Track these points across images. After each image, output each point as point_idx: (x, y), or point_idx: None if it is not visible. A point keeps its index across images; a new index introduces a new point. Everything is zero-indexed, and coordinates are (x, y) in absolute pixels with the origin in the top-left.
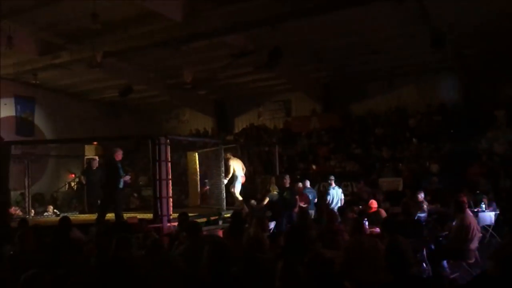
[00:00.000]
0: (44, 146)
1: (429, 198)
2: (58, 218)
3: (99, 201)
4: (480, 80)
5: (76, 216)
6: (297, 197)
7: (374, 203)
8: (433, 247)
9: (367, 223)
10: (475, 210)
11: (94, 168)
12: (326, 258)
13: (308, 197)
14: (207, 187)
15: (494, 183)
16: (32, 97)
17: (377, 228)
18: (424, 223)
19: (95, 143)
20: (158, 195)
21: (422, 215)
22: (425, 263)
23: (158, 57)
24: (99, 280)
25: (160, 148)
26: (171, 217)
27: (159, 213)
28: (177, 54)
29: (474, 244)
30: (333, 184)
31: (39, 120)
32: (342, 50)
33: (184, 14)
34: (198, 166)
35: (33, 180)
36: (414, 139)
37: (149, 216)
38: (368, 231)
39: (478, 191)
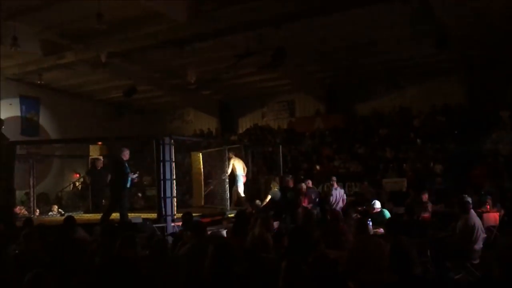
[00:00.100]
0: (49, 146)
1: (433, 199)
2: (63, 217)
3: (103, 201)
4: (485, 81)
5: (80, 216)
6: (301, 197)
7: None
8: (437, 247)
9: (371, 223)
10: (480, 210)
11: (99, 168)
12: (330, 258)
13: (311, 197)
14: (211, 187)
15: (498, 184)
16: (37, 98)
17: (381, 229)
18: (428, 224)
19: (99, 143)
20: (162, 195)
21: (426, 215)
22: (429, 264)
23: (163, 57)
24: (103, 279)
25: (164, 148)
26: (175, 217)
27: (163, 213)
28: (181, 54)
29: (479, 245)
30: (335, 185)
31: (44, 120)
32: (346, 50)
33: (188, 14)
34: (202, 166)
35: (38, 180)
36: (418, 140)
37: (153, 216)
38: (372, 232)
39: (482, 192)
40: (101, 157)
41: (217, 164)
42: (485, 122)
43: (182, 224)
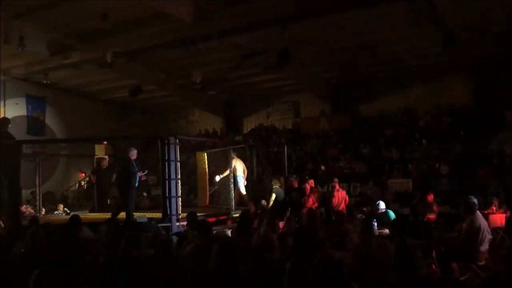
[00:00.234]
0: (54, 145)
1: (438, 200)
2: (68, 216)
3: (108, 200)
4: (490, 81)
5: (86, 215)
6: (305, 197)
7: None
8: (442, 249)
9: (376, 224)
10: (486, 212)
11: (104, 167)
12: (334, 259)
13: (315, 197)
14: (216, 187)
15: (504, 184)
16: (43, 97)
17: (386, 230)
18: (433, 225)
19: (105, 142)
20: (167, 195)
21: (432, 216)
22: (435, 265)
23: (168, 57)
24: (108, 278)
25: (169, 148)
26: (180, 216)
27: (168, 212)
28: (186, 54)
29: (485, 246)
30: (337, 186)
31: (50, 119)
32: (351, 51)
33: (194, 14)
34: (207, 166)
35: (44, 179)
36: (423, 140)
37: (158, 215)
38: (377, 232)
39: (488, 193)
40: (106, 157)
41: (221, 164)
42: (491, 123)
43: (186, 224)
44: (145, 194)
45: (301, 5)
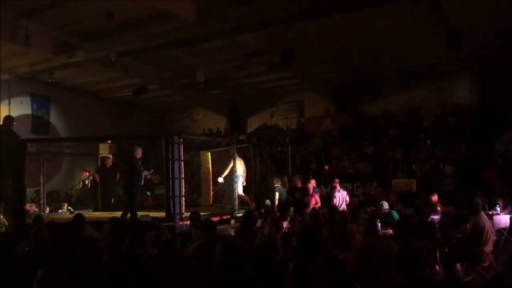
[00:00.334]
0: (59, 144)
1: (443, 200)
2: (72, 215)
3: (112, 199)
4: (496, 81)
5: (90, 214)
6: (309, 197)
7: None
8: (446, 249)
9: (379, 224)
10: (490, 212)
11: (108, 166)
12: (338, 259)
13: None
14: (219, 186)
15: (509, 185)
16: (48, 96)
17: (390, 230)
18: (437, 225)
19: (109, 141)
20: (171, 194)
21: (436, 217)
22: (438, 266)
23: (172, 56)
24: (111, 277)
25: (173, 147)
26: (184, 215)
27: (172, 211)
28: (191, 54)
29: (489, 247)
30: (338, 187)
31: (54, 118)
32: (355, 50)
33: (198, 14)
34: (210, 165)
35: (48, 178)
36: (428, 141)
37: (162, 214)
38: (380, 233)
39: (493, 194)
40: (110, 156)
41: (225, 164)
42: (496, 123)
43: (190, 223)
44: (148, 193)
45: (305, 5)
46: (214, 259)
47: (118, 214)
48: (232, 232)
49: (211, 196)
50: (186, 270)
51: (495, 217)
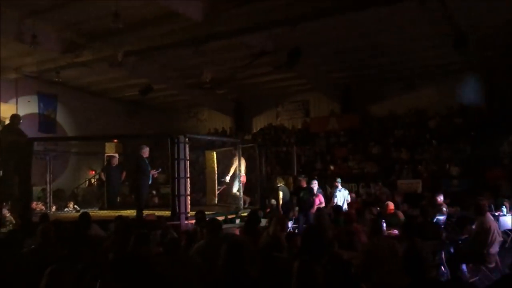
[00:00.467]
0: (65, 143)
1: (448, 201)
2: (78, 214)
3: (118, 198)
4: (502, 82)
5: (95, 212)
6: (313, 197)
7: (391, 205)
8: (452, 250)
9: (385, 225)
10: (496, 214)
11: (114, 165)
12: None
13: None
14: (224, 186)
15: None
16: (55, 95)
17: (395, 230)
18: (443, 226)
19: (115, 140)
20: (176, 193)
21: (441, 217)
22: (444, 266)
23: (178, 56)
24: (117, 276)
25: (179, 147)
26: (189, 215)
27: (177, 210)
28: (196, 53)
29: (495, 248)
30: (339, 186)
31: (61, 117)
32: (362, 51)
33: (204, 14)
34: (216, 165)
35: (55, 176)
36: (433, 141)
37: (167, 213)
38: (386, 233)
39: (499, 195)
40: (116, 155)
41: (230, 163)
42: (502, 124)
43: (195, 222)
44: (154, 192)
45: (312, 5)
46: (219, 259)
47: (124, 213)
48: (237, 232)
49: (216, 195)
50: (191, 269)
51: (501, 218)
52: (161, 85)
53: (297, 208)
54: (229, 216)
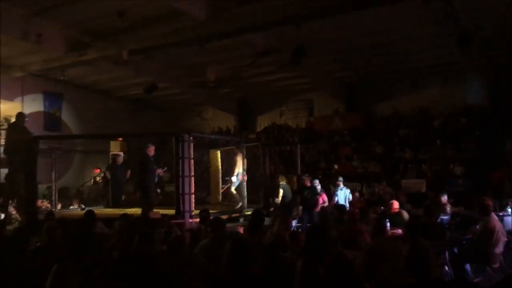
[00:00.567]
0: (70, 141)
1: (452, 201)
2: (83, 211)
3: (123, 196)
4: (507, 81)
5: (100, 210)
6: (317, 196)
7: (395, 204)
8: (456, 250)
9: (388, 224)
10: (501, 214)
11: (119, 164)
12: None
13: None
14: (228, 185)
15: None
16: (60, 93)
17: (399, 230)
18: (447, 226)
19: (120, 139)
20: (180, 192)
21: (445, 217)
22: (448, 266)
23: (182, 55)
24: (121, 273)
25: (183, 145)
26: (193, 213)
27: (181, 209)
28: (201, 52)
29: (499, 249)
30: (341, 185)
31: (66, 115)
32: (366, 50)
33: (208, 12)
34: (220, 163)
35: (60, 174)
36: (438, 141)
37: (172, 212)
38: (389, 233)
39: (504, 195)
40: (121, 153)
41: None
42: (506, 124)
43: (199, 221)
44: (158, 190)
45: (316, 4)
46: (222, 257)
47: (129, 211)
48: (241, 230)
49: (221, 194)
50: (195, 268)
51: (506, 219)
52: (165, 84)
53: (301, 207)
54: (233, 215)
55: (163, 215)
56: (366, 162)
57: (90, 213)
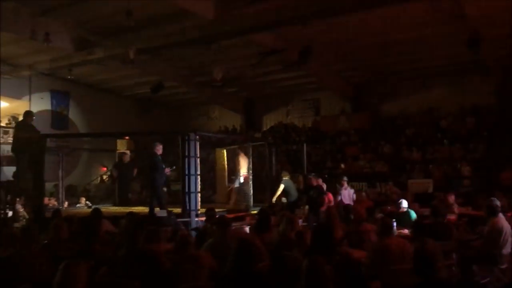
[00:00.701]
0: (77, 139)
1: (460, 201)
2: (90, 209)
3: (129, 194)
4: None
5: (107, 208)
6: (323, 196)
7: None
8: (463, 251)
9: (395, 224)
10: (509, 214)
11: (125, 162)
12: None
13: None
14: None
15: None
16: (67, 92)
17: (406, 230)
18: (454, 226)
19: (126, 137)
20: (187, 190)
21: (453, 217)
22: (455, 267)
23: (189, 54)
24: (127, 271)
25: (189, 144)
26: (199, 212)
27: (188, 207)
28: (208, 51)
29: (507, 250)
30: (345, 185)
31: (73, 114)
32: (373, 49)
33: (215, 12)
34: (226, 162)
35: (67, 172)
36: (445, 141)
37: (178, 210)
38: (396, 233)
39: None
40: (128, 151)
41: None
42: None
43: (205, 219)
44: (164, 189)
45: (323, 3)
46: (228, 256)
47: (135, 209)
48: (247, 229)
49: (227, 193)
50: (200, 266)
51: None
52: (172, 83)
53: (307, 207)
54: (239, 214)
55: (169, 213)
56: (373, 162)
57: (96, 211)
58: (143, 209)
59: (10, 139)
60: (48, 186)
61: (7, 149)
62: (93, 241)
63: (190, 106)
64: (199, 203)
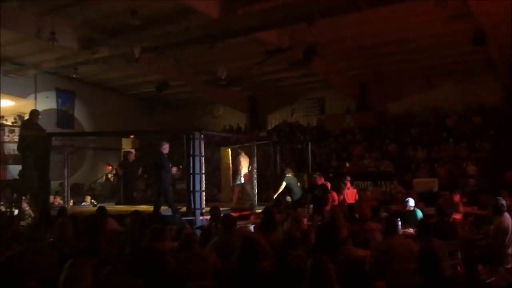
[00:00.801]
0: (83, 138)
1: (465, 200)
2: (95, 208)
3: (134, 193)
4: None
5: (112, 207)
6: (328, 195)
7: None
8: (468, 250)
9: (400, 223)
10: None
11: (131, 161)
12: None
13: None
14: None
15: None
16: (73, 91)
17: (411, 229)
18: (459, 225)
19: (131, 136)
20: (191, 189)
21: (458, 217)
22: (460, 266)
23: (194, 53)
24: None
25: (194, 143)
26: (204, 210)
27: (192, 206)
28: (212, 50)
29: None
30: (348, 185)
31: (78, 113)
32: (378, 48)
33: (220, 10)
34: (230, 161)
35: (72, 171)
36: (451, 140)
37: (183, 209)
38: (401, 232)
39: None
40: (133, 150)
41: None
42: None
43: (210, 218)
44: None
45: (328, 2)
46: (233, 255)
47: (140, 208)
48: (252, 228)
49: (231, 192)
50: (205, 265)
51: None
52: (177, 82)
53: (311, 206)
54: (244, 213)
55: (174, 212)
56: (378, 161)
57: (101, 210)
58: (148, 208)
59: (16, 138)
60: (54, 184)
61: (13, 147)
62: (98, 239)
63: (195, 104)
64: (204, 202)
